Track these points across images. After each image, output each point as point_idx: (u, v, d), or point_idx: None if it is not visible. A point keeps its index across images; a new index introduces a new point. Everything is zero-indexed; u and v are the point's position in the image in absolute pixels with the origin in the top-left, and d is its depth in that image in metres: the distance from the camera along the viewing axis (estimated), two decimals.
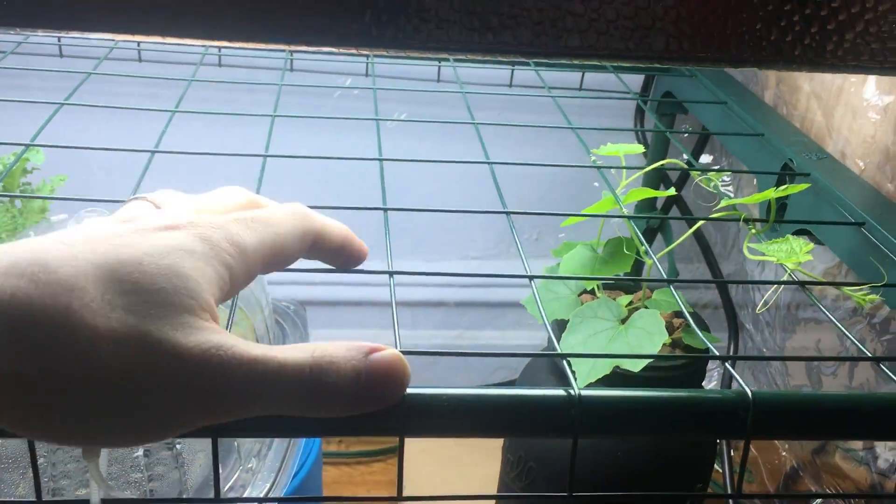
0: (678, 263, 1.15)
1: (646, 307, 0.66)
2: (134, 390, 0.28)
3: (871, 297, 0.48)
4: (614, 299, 0.68)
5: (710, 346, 0.45)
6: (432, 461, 1.06)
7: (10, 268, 0.27)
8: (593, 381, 0.56)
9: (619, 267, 0.61)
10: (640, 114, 1.06)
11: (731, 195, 0.92)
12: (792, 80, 0.82)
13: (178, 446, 0.48)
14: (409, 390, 0.37)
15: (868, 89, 0.69)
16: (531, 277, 0.47)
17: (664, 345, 0.66)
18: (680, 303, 0.48)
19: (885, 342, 0.68)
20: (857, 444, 0.82)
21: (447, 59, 0.88)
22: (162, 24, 0.36)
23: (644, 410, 0.38)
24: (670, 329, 0.67)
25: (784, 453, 0.98)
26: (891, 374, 0.41)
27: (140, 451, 0.48)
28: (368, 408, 0.32)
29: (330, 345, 0.31)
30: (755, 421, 0.38)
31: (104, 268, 0.28)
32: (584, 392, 0.38)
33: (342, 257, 0.40)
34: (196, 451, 0.51)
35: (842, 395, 0.39)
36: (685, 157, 0.73)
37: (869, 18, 0.41)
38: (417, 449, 1.10)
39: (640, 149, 0.64)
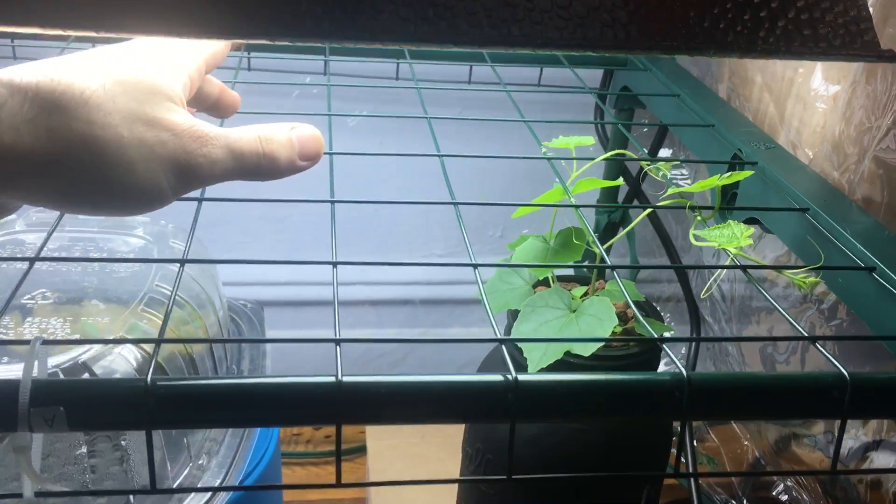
0: (642, 258, 1.16)
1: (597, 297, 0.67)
2: (148, 160, 0.35)
3: (811, 279, 0.49)
4: (569, 290, 0.68)
5: (651, 332, 0.45)
6: (399, 457, 1.06)
7: (28, 70, 0.34)
8: (544, 366, 0.57)
9: (570, 257, 0.61)
10: (599, 109, 1.06)
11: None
12: (744, 72, 0.83)
13: (122, 442, 0.48)
14: (346, 379, 0.37)
15: (816, 79, 0.70)
16: (475, 266, 0.47)
17: (617, 334, 0.67)
18: (625, 292, 0.48)
19: (833, 327, 0.69)
20: (818, 430, 0.83)
21: (404, 57, 0.88)
22: (92, 18, 0.36)
23: (580, 394, 0.38)
24: (624, 319, 0.68)
25: (746, 443, 0.99)
26: (825, 353, 0.41)
27: (84, 448, 0.47)
28: (304, 167, 0.42)
29: (263, 125, 0.40)
30: (692, 401, 0.39)
31: (101, 67, 0.36)
32: (522, 377, 0.38)
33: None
34: (142, 449, 0.50)
35: (776, 376, 0.40)
36: (643, 151, 0.74)
37: (801, 5, 0.42)
38: (386, 446, 1.09)
39: (591, 140, 0.65)
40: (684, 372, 0.39)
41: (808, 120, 0.72)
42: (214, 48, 0.44)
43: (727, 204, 0.70)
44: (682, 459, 0.96)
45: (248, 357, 0.66)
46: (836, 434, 0.39)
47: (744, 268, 0.49)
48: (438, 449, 1.07)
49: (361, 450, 1.13)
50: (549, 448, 0.65)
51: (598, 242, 0.52)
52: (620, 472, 0.62)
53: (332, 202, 0.53)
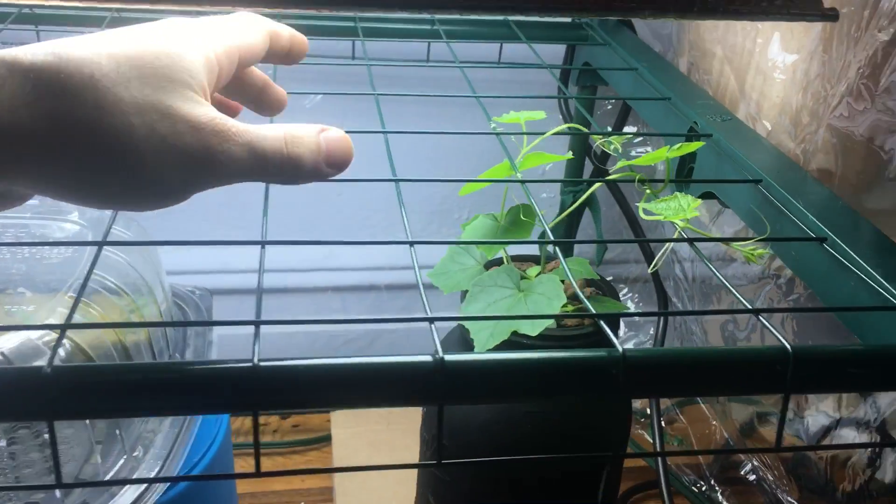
0: (609, 237, 1.14)
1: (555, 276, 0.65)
2: (159, 152, 0.32)
3: (759, 251, 0.47)
4: (524, 270, 0.67)
5: (590, 307, 0.43)
6: (364, 445, 1.05)
7: (35, 48, 0.31)
8: (492, 347, 0.55)
9: (520, 235, 0.60)
10: (564, 84, 1.04)
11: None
12: (704, 45, 0.81)
13: (45, 436, 0.46)
14: (263, 363, 0.35)
15: (773, 49, 0.69)
16: (411, 243, 0.46)
17: (571, 312, 0.65)
18: (568, 273, 0.46)
19: (791, 301, 0.67)
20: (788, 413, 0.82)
21: (358, 35, 0.86)
22: None
23: (511, 373, 0.37)
24: (579, 298, 0.66)
25: (714, 423, 0.98)
26: (768, 325, 0.40)
27: (3, 442, 0.45)
28: (329, 173, 0.38)
29: (292, 125, 0.37)
30: (627, 378, 0.37)
31: (114, 47, 0.33)
32: (449, 357, 0.36)
33: (287, 53, 0.43)
34: (68, 439, 0.48)
35: (718, 350, 0.38)
36: (595, 124, 0.72)
37: None
38: (350, 434, 1.08)
39: (541, 115, 0.63)
40: (620, 348, 0.37)
41: (767, 91, 0.71)
42: (249, 39, 0.40)
43: (686, 177, 0.68)
44: (655, 438, 0.95)
45: (192, 346, 0.63)
46: (781, 408, 0.37)
47: (691, 240, 0.48)
48: (404, 435, 1.05)
49: (327, 438, 1.11)
50: (501, 432, 0.64)
51: (543, 220, 0.50)
52: (559, 455, 0.60)
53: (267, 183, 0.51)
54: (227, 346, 1.15)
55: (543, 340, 0.57)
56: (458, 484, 0.68)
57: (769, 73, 0.69)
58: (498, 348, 0.61)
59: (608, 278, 1.17)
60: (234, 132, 0.34)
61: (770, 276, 0.70)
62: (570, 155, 0.56)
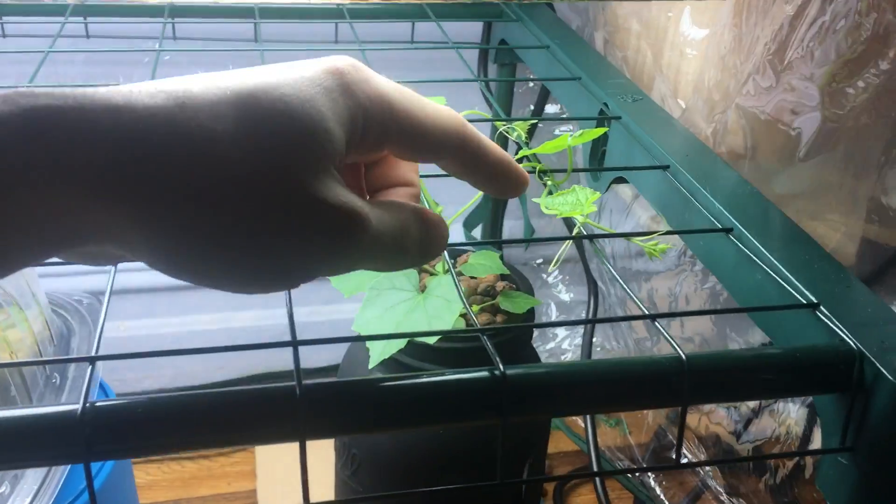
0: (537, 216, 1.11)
1: (460, 272, 0.62)
2: (269, 231, 0.26)
3: (661, 247, 0.44)
4: (433, 266, 0.63)
5: (475, 316, 0.40)
6: (288, 450, 1.01)
7: (156, 90, 0.26)
8: (388, 357, 0.51)
9: None
10: (483, 65, 1.01)
11: None
12: (618, 21, 0.78)
13: None
14: (99, 404, 0.31)
15: (685, 23, 0.66)
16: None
17: (483, 311, 0.62)
18: (451, 274, 0.43)
19: (707, 290, 0.65)
20: None
21: (254, 17, 0.80)
22: None
23: (381, 401, 0.33)
24: (492, 294, 0.63)
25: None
26: (665, 333, 0.37)
27: None
28: (432, 257, 0.33)
29: (398, 208, 0.31)
30: (510, 401, 0.34)
31: (244, 93, 0.27)
32: (308, 382, 0.32)
33: (499, 181, 0.34)
34: None
35: (604, 364, 0.35)
36: (498, 109, 0.68)
37: None
38: None
39: (441, 100, 0.59)
40: (500, 368, 0.34)
41: (682, 68, 0.68)
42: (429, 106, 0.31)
43: (599, 162, 0.65)
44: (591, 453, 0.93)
45: (75, 354, 0.59)
46: (679, 421, 0.34)
47: (591, 237, 0.45)
48: (329, 441, 1.01)
49: None
50: (415, 442, 0.61)
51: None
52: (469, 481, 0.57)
53: None
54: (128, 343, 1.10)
55: (449, 341, 0.54)
56: (372, 490, 0.65)
57: (682, 49, 0.66)
58: (394, 360, 0.58)
59: (538, 261, 1.15)
60: (361, 227, 0.28)
61: (687, 264, 0.67)
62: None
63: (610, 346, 0.97)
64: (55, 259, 0.28)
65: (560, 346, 1.10)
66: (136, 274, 1.05)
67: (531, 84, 1.03)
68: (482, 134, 0.33)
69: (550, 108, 0.99)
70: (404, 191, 0.35)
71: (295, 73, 0.28)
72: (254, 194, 0.26)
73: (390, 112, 0.30)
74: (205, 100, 0.26)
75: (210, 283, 0.28)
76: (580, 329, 1.11)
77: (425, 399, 0.34)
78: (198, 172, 0.25)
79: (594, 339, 0.98)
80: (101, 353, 0.66)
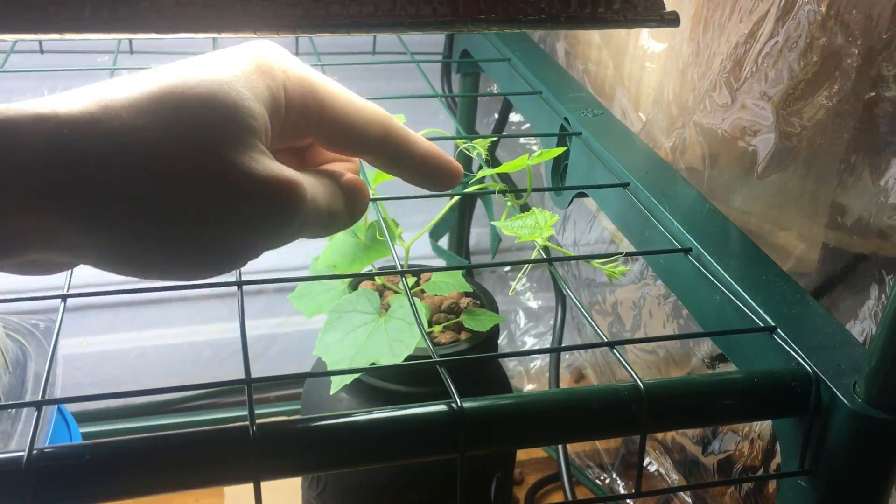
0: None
1: (423, 290, 0.61)
2: (206, 214, 0.27)
3: (620, 269, 0.44)
4: (396, 283, 0.62)
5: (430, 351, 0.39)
6: None
7: (81, 95, 0.26)
8: (349, 382, 0.51)
9: (381, 252, 0.55)
10: (446, 77, 1.00)
11: None
12: (578, 33, 0.78)
13: None
14: (37, 451, 0.30)
15: (643, 35, 0.66)
16: (240, 283, 0.41)
17: (446, 329, 0.61)
18: (408, 298, 0.42)
19: (671, 302, 0.65)
20: None
21: None
22: None
23: (330, 441, 0.32)
24: (456, 311, 0.62)
25: None
26: (622, 360, 0.36)
27: None
28: (358, 217, 0.34)
29: (323, 174, 0.32)
30: (468, 436, 0.33)
31: (164, 86, 0.27)
32: (262, 422, 0.32)
33: (429, 176, 0.34)
34: None
35: (561, 395, 0.35)
36: (458, 126, 0.68)
37: None
38: None
39: (401, 118, 0.58)
40: (458, 402, 0.33)
41: (642, 80, 0.68)
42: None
43: (561, 176, 0.65)
44: (564, 478, 0.92)
45: (30, 390, 0.57)
46: (639, 449, 0.34)
47: (550, 260, 0.44)
48: None
49: None
50: None
51: (388, 239, 0.46)
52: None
53: None
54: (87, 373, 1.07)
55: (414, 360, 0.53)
56: None
57: (641, 62, 0.66)
58: (359, 380, 0.57)
59: (506, 269, 1.15)
60: (299, 195, 0.29)
61: (651, 276, 0.68)
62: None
63: (580, 352, 0.97)
64: None
65: (529, 350, 1.10)
66: (98, 289, 1.04)
67: (495, 89, 1.03)
68: (409, 129, 0.34)
69: (515, 117, 0.99)
70: (342, 165, 0.35)
71: (213, 62, 0.29)
72: (184, 181, 0.26)
73: (312, 93, 0.30)
74: (127, 98, 0.26)
75: (159, 275, 0.28)
76: (548, 336, 1.11)
77: (381, 437, 0.33)
78: (125, 169, 0.26)
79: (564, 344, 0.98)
80: (61, 369, 0.65)
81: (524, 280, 1.11)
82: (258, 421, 0.32)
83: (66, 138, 0.25)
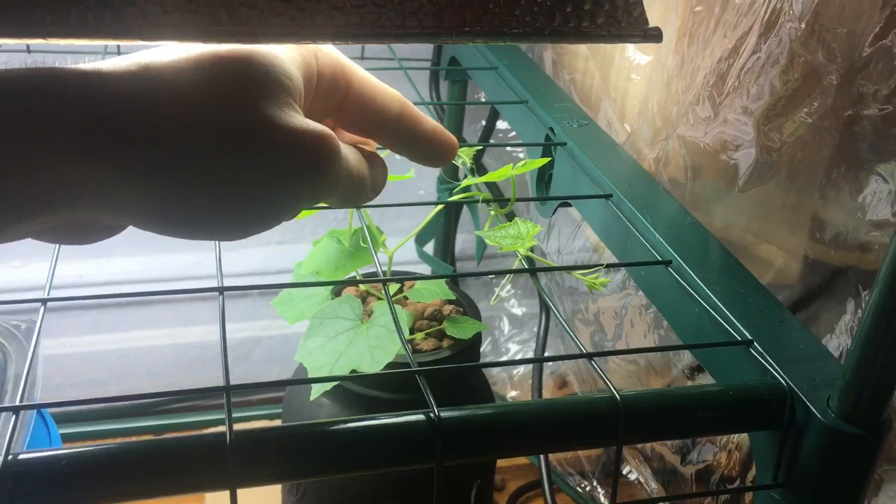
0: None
1: (406, 297, 0.61)
2: (248, 164, 0.28)
3: (601, 280, 0.44)
4: (379, 291, 0.63)
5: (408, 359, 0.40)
6: None
7: (118, 60, 0.27)
8: (329, 389, 0.51)
9: (364, 259, 0.55)
10: (434, 84, 1.00)
11: None
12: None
13: None
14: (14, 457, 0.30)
15: (629, 47, 0.66)
16: (222, 289, 0.41)
17: (429, 337, 0.61)
18: (390, 306, 0.42)
19: (652, 312, 0.66)
20: None
21: None
22: None
23: (307, 449, 0.33)
24: (439, 318, 0.63)
25: None
26: (599, 371, 0.37)
27: None
28: (378, 193, 0.35)
29: (349, 144, 0.33)
30: (446, 445, 0.34)
31: (204, 52, 0.28)
32: (239, 429, 0.32)
33: (434, 149, 0.36)
34: None
35: (539, 406, 0.35)
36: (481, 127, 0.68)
37: None
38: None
39: None
40: (435, 412, 0.33)
41: (627, 91, 0.69)
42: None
43: (546, 185, 0.65)
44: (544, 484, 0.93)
45: (9, 392, 0.57)
46: (614, 461, 0.35)
47: (532, 271, 0.45)
48: None
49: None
50: None
51: (373, 249, 0.46)
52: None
53: None
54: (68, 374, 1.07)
55: (394, 367, 0.54)
56: None
57: (627, 73, 0.66)
58: (340, 385, 0.57)
59: (490, 276, 1.15)
60: (334, 147, 0.30)
61: (633, 286, 0.68)
62: (410, 174, 0.52)
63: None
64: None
65: (509, 361, 1.10)
66: (80, 290, 1.03)
67: (483, 98, 1.03)
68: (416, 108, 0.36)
69: (502, 125, 0.99)
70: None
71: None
72: (224, 132, 0.27)
73: (341, 67, 0.32)
74: (167, 61, 0.28)
75: (201, 231, 0.29)
76: (532, 343, 1.11)
77: (359, 445, 0.33)
78: (167, 119, 0.27)
79: (546, 353, 0.98)
80: (41, 370, 0.64)
81: (509, 287, 1.11)
82: (236, 427, 0.32)
83: (110, 90, 0.26)
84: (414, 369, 0.36)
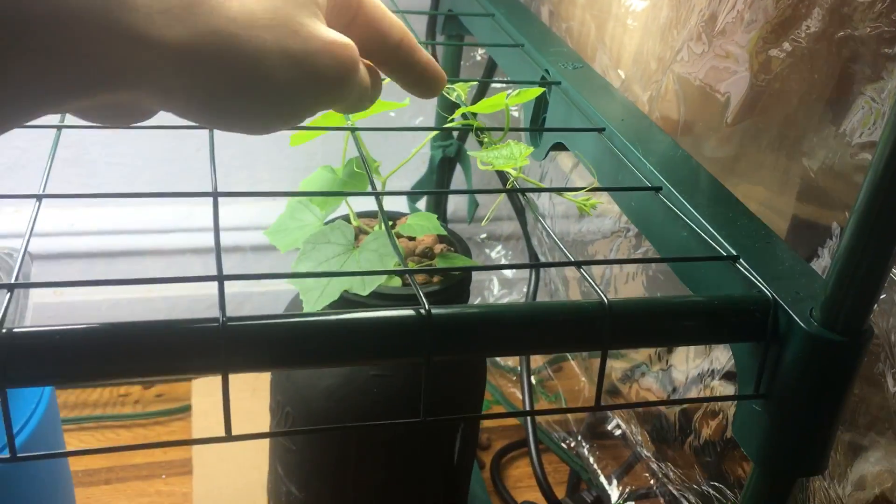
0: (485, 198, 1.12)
1: (399, 234, 0.62)
2: (290, 71, 0.30)
3: (592, 202, 0.45)
4: (372, 227, 0.63)
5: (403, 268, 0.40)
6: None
7: None
8: (323, 307, 0.51)
9: (358, 187, 0.56)
10: (431, 33, 1.00)
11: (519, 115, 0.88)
12: None
13: None
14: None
15: None
16: (215, 195, 0.41)
17: (420, 270, 0.62)
18: (386, 229, 0.43)
19: (640, 254, 0.66)
20: (656, 368, 0.82)
21: None
22: None
23: (299, 337, 0.33)
24: (430, 255, 0.63)
25: (583, 379, 0.97)
26: (588, 278, 0.37)
27: None
28: (373, 102, 0.37)
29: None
30: (435, 339, 0.34)
31: None
32: (232, 316, 0.32)
33: (426, 79, 0.39)
34: None
35: (527, 307, 0.36)
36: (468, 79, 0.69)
37: None
38: (211, 402, 1.03)
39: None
40: (426, 308, 0.34)
41: (623, 40, 0.69)
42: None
43: (539, 128, 0.66)
44: (525, 395, 0.94)
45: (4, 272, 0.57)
46: (599, 365, 0.35)
47: (522, 191, 0.45)
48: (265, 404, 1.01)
49: (188, 408, 1.05)
50: (347, 396, 0.61)
51: (368, 170, 0.47)
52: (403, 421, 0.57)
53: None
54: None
55: (381, 299, 0.54)
56: (304, 452, 0.65)
57: (623, 20, 0.67)
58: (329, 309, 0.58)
59: (482, 235, 1.15)
60: (354, 58, 0.33)
61: (621, 230, 0.69)
62: (406, 102, 0.53)
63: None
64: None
65: (502, 265, 1.11)
66: (73, 238, 1.03)
67: (478, 58, 1.04)
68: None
69: (498, 86, 0.99)
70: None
71: None
72: (275, 32, 0.30)
73: None
74: None
75: (230, 120, 0.31)
76: (518, 287, 1.12)
77: (349, 336, 0.34)
78: (227, 20, 0.29)
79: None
80: (32, 314, 0.64)
81: (500, 248, 1.12)
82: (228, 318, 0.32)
83: None
84: (406, 269, 0.37)
